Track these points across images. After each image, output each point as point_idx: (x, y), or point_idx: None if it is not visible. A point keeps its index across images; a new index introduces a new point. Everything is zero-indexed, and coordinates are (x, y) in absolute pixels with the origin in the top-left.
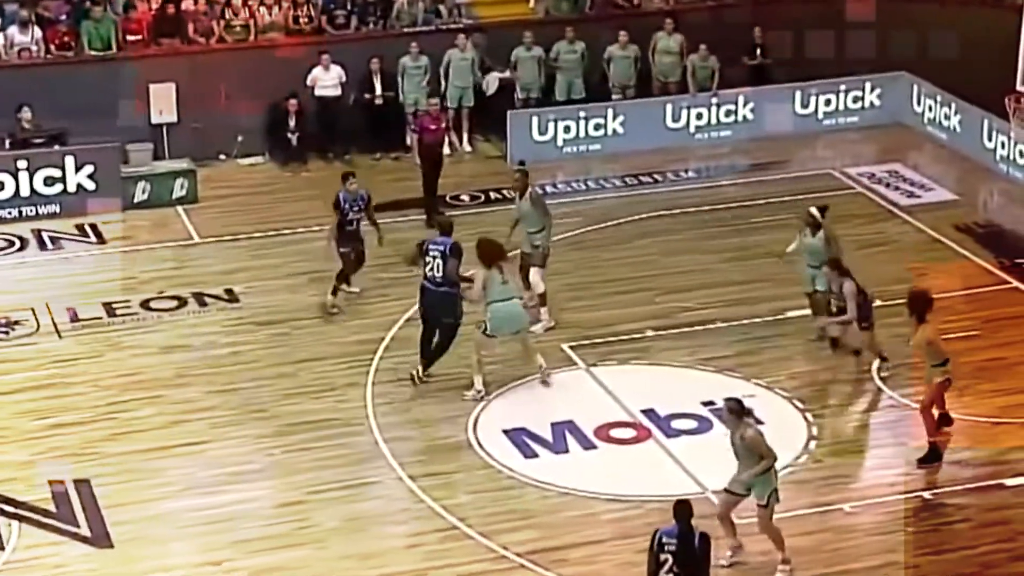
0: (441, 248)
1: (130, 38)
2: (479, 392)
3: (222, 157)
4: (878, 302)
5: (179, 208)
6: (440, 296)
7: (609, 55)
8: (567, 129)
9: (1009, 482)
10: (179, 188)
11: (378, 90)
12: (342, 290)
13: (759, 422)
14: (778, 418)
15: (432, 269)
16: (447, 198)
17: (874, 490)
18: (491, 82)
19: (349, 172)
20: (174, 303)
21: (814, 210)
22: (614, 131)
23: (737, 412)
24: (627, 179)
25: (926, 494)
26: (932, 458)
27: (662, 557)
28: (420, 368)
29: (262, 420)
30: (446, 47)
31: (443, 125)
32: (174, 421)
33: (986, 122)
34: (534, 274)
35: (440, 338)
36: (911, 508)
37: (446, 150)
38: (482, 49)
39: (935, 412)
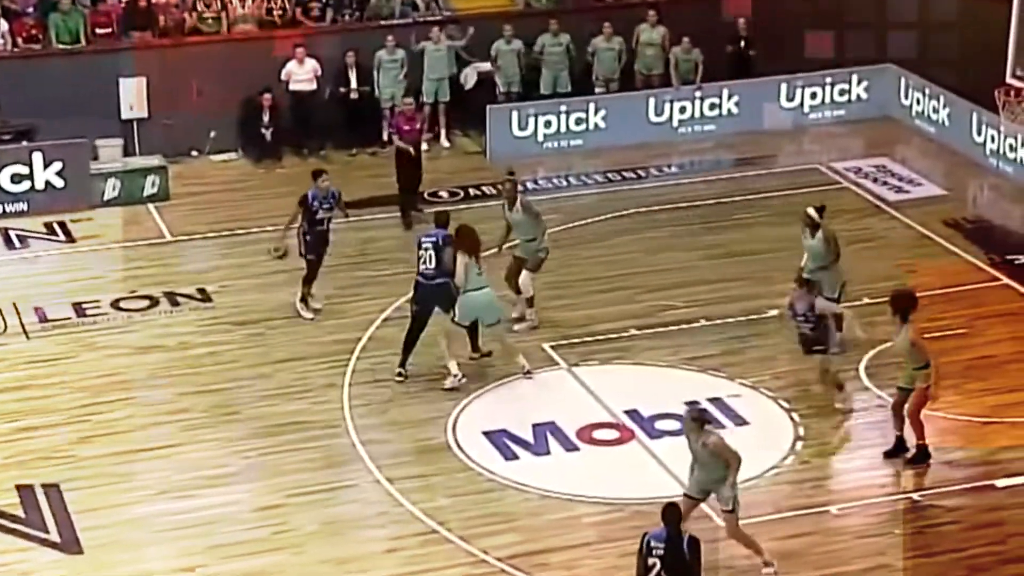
0: (433, 239)
1: (99, 31)
2: (456, 376)
3: (194, 153)
4: (865, 299)
5: (150, 206)
6: (434, 289)
7: (594, 48)
8: (548, 124)
9: (1000, 483)
10: (150, 185)
11: (353, 84)
12: (306, 309)
13: (744, 422)
14: (763, 418)
15: (425, 262)
16: (425, 194)
17: (862, 491)
18: (469, 76)
19: (321, 169)
20: (145, 303)
21: (811, 210)
22: (596, 126)
23: (700, 420)
24: (609, 175)
25: (915, 495)
26: (921, 458)
27: (650, 561)
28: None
29: (237, 422)
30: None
31: (418, 126)
32: (147, 423)
33: (975, 115)
34: (524, 276)
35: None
36: (900, 510)
37: (424, 147)
38: (465, 40)
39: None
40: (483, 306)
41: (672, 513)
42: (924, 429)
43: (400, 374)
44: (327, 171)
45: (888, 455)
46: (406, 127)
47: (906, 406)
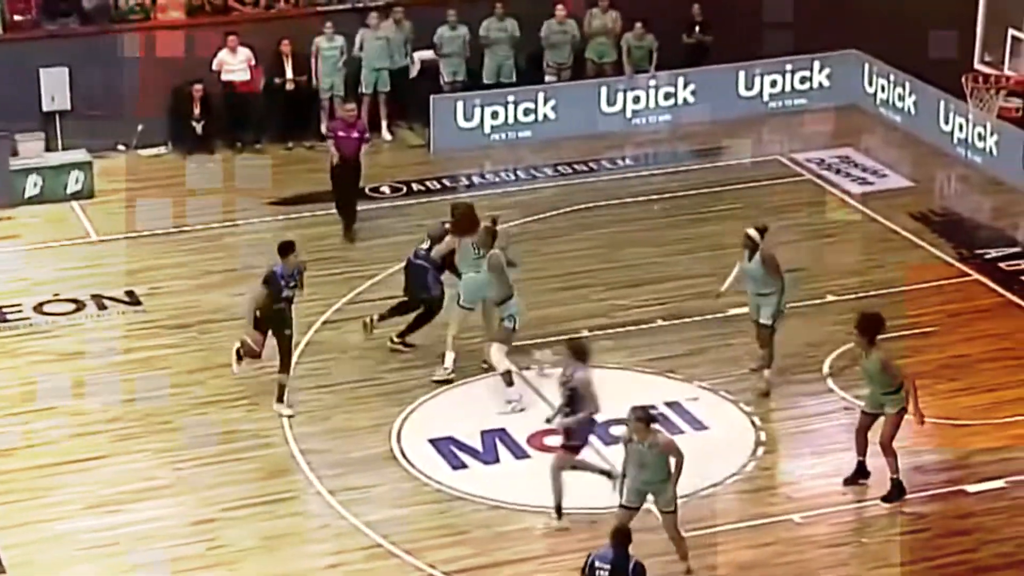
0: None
1: (17, 18)
2: (447, 370)
3: (121, 148)
4: (830, 297)
5: (74, 203)
6: (414, 268)
7: (547, 31)
8: (495, 115)
9: (972, 488)
10: (74, 182)
11: (289, 74)
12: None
13: (703, 427)
14: (724, 422)
15: (423, 242)
16: (366, 190)
17: (827, 499)
18: (413, 64)
19: (290, 242)
20: (71, 307)
21: (752, 231)
22: (545, 116)
23: (647, 420)
24: (560, 168)
25: (883, 501)
26: (897, 495)
27: None
28: (374, 318)
29: (169, 432)
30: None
31: (356, 134)
32: (72, 434)
33: (943, 103)
34: (495, 351)
35: (418, 312)
36: (867, 517)
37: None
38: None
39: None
40: (483, 285)
41: (621, 537)
42: (898, 461)
43: (371, 327)
44: (294, 242)
45: (848, 482)
46: (342, 133)
47: (879, 436)
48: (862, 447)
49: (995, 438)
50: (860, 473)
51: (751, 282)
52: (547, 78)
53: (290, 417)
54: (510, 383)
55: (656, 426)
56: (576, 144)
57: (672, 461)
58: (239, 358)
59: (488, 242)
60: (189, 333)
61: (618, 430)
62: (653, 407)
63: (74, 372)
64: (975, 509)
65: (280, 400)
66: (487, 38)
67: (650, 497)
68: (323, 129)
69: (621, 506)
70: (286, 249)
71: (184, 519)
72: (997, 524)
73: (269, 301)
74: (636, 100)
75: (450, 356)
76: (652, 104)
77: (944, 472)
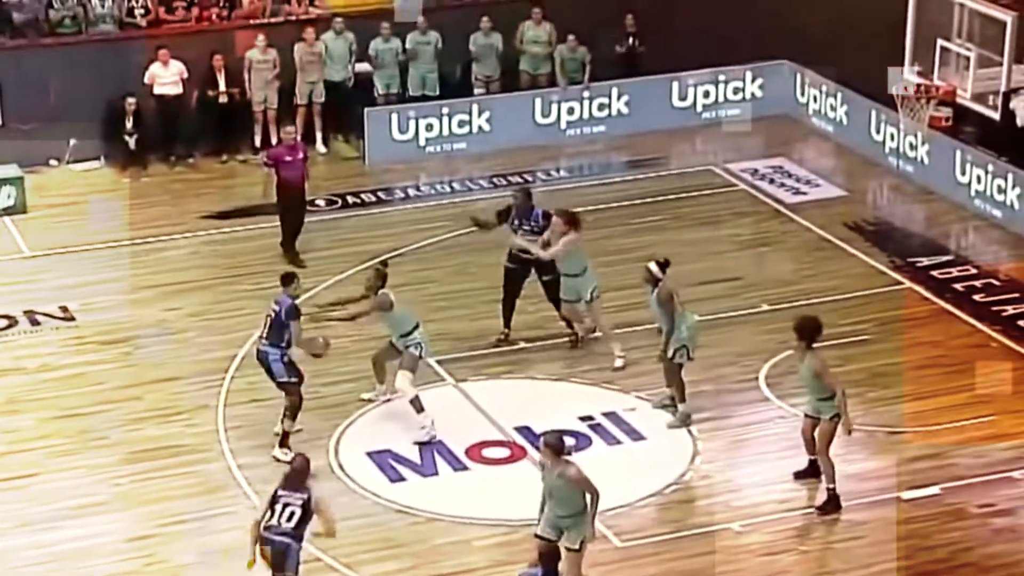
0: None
1: None
2: (623, 358)
3: (53, 163)
4: (765, 306)
5: (6, 219)
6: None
7: (474, 43)
8: (429, 127)
9: (906, 495)
10: (5, 197)
11: (222, 86)
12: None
13: (641, 437)
14: (661, 432)
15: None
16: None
17: (765, 507)
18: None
19: (292, 273)
20: (3, 323)
21: (653, 265)
22: (480, 128)
23: (557, 448)
24: (495, 179)
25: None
26: (833, 507)
27: None
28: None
29: (104, 448)
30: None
31: (301, 156)
32: (5, 451)
33: (874, 113)
34: (401, 378)
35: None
36: (804, 525)
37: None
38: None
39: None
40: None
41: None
42: (835, 471)
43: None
44: (298, 274)
45: (799, 475)
46: (288, 158)
47: (816, 443)
48: (810, 447)
49: (929, 445)
50: (812, 471)
51: (656, 318)
52: (476, 91)
53: (286, 461)
54: (420, 409)
55: (568, 458)
56: (511, 156)
57: (587, 497)
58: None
59: (377, 285)
60: (124, 348)
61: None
62: (567, 436)
63: (7, 389)
64: (910, 516)
65: (282, 446)
66: (412, 51)
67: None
68: (263, 158)
69: (536, 535)
70: (288, 279)
71: (121, 535)
72: (932, 530)
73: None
74: (570, 111)
75: (616, 345)
76: (586, 115)
77: (879, 480)
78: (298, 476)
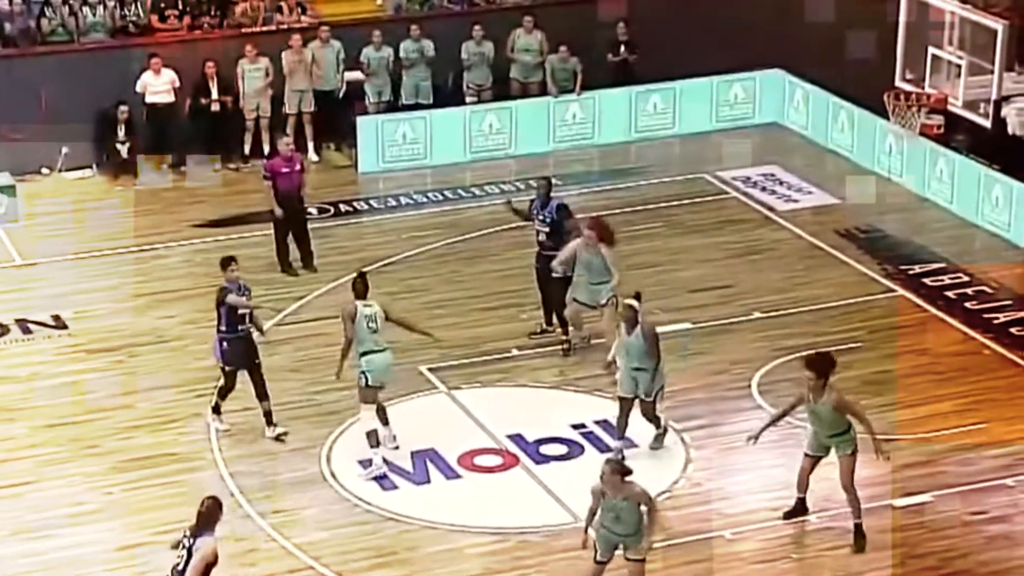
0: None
1: None
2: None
3: (45, 171)
4: (757, 314)
5: None
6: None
7: (467, 53)
8: (421, 135)
9: (899, 503)
10: None
11: (214, 95)
12: (218, 420)
13: (633, 445)
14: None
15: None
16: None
17: (757, 515)
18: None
19: (230, 257)
20: None
21: (632, 301)
22: (472, 136)
23: (624, 472)
24: (487, 188)
25: (812, 517)
26: (863, 541)
27: None
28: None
29: (96, 456)
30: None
31: (298, 167)
32: None
33: (866, 121)
34: (364, 411)
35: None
36: (796, 533)
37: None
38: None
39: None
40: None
41: None
42: (861, 506)
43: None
44: (235, 258)
45: (789, 516)
46: (285, 169)
47: (840, 478)
48: (803, 485)
49: (920, 453)
50: (800, 509)
51: (628, 356)
52: (467, 99)
53: (280, 438)
54: (373, 444)
55: (630, 478)
56: (504, 164)
57: (644, 510)
58: (216, 410)
59: (363, 292)
60: (116, 356)
61: (549, 449)
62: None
63: None
64: (901, 523)
65: (270, 424)
66: (405, 59)
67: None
68: (247, 147)
69: (597, 562)
70: (226, 263)
71: (113, 544)
72: (922, 538)
73: (228, 323)
74: (563, 120)
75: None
76: (578, 124)
77: (871, 487)
78: (204, 519)
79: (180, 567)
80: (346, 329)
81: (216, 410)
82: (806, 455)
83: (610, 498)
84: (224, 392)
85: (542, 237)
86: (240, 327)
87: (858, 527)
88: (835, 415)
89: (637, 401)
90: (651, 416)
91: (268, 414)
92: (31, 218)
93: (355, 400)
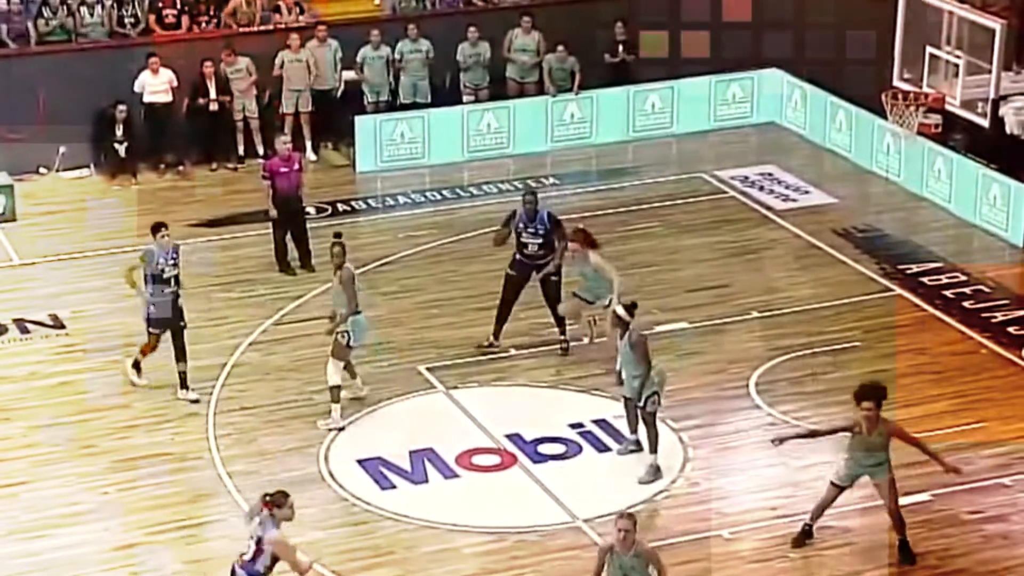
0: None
1: None
2: (335, 422)
3: (43, 171)
4: (754, 313)
5: None
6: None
7: (462, 54)
8: (419, 135)
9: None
10: None
11: (212, 94)
12: (138, 375)
13: (640, 448)
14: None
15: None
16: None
17: (755, 514)
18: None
19: (161, 223)
20: None
21: (619, 309)
22: (470, 136)
23: (635, 520)
24: (485, 187)
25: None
26: (909, 555)
27: None
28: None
29: (92, 456)
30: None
31: (296, 167)
32: None
33: (864, 120)
34: (330, 364)
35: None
36: (795, 532)
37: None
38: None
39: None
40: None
41: None
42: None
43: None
44: (167, 224)
45: (797, 544)
46: (284, 169)
47: (887, 504)
48: (819, 515)
49: (918, 452)
50: (807, 535)
51: (625, 363)
52: (465, 98)
53: (195, 402)
54: (335, 400)
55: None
56: (501, 164)
57: (653, 572)
58: (136, 366)
59: (341, 256)
60: (113, 356)
61: (547, 448)
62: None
63: None
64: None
65: (184, 387)
66: (402, 59)
67: None
68: (240, 147)
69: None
70: (156, 228)
71: (108, 544)
72: (920, 537)
73: (155, 283)
74: (560, 120)
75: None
76: (576, 123)
77: (868, 487)
78: (273, 506)
79: (249, 556)
80: (352, 296)
81: (136, 365)
82: (834, 486)
83: (619, 555)
84: (145, 351)
85: (533, 248)
86: (165, 290)
87: (903, 543)
88: (883, 443)
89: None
90: (648, 424)
91: (183, 375)
92: (28, 218)
93: (350, 402)
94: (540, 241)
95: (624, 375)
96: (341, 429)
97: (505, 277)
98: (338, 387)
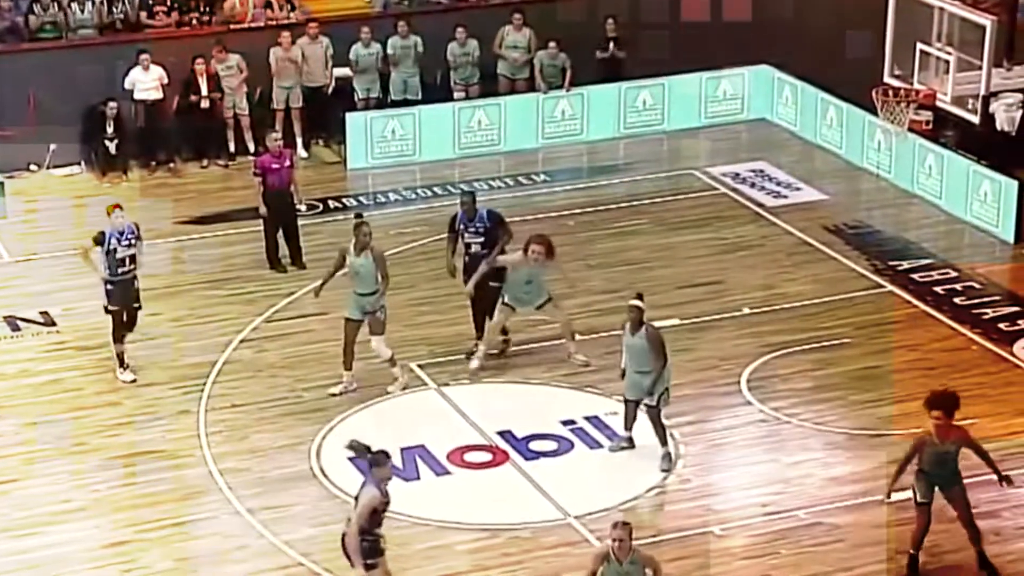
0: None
1: None
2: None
3: (33, 168)
4: (746, 310)
5: None
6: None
7: (451, 53)
8: (410, 131)
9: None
10: None
11: (204, 91)
12: (123, 371)
13: (631, 445)
14: (643, 435)
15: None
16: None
17: (746, 510)
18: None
19: (116, 204)
20: None
21: (637, 301)
22: (460, 132)
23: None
24: (476, 184)
25: (800, 513)
26: (988, 564)
27: None
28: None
29: (83, 453)
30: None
31: (288, 164)
32: None
33: (855, 117)
34: (376, 342)
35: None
36: (785, 528)
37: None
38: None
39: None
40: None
41: None
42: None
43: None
44: (121, 205)
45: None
46: (275, 165)
47: (960, 515)
48: (919, 543)
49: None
50: (913, 570)
51: (630, 358)
52: (455, 95)
53: (132, 382)
54: (394, 364)
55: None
56: (492, 160)
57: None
58: (122, 366)
59: (368, 236)
60: (104, 354)
61: (539, 445)
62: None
63: None
64: (889, 519)
65: (122, 366)
66: (393, 56)
67: None
68: (231, 145)
69: None
70: (111, 209)
71: (99, 541)
72: (911, 534)
73: (110, 264)
74: (551, 116)
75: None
76: (567, 120)
77: (860, 483)
78: (373, 463)
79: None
80: (387, 273)
81: (120, 361)
82: (920, 505)
83: (614, 563)
84: (116, 335)
85: (476, 248)
86: (120, 270)
87: (981, 555)
88: (955, 453)
89: (644, 407)
90: (656, 421)
91: (120, 355)
92: (19, 215)
93: (343, 398)
94: (482, 240)
95: (630, 372)
96: (406, 387)
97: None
98: (392, 355)
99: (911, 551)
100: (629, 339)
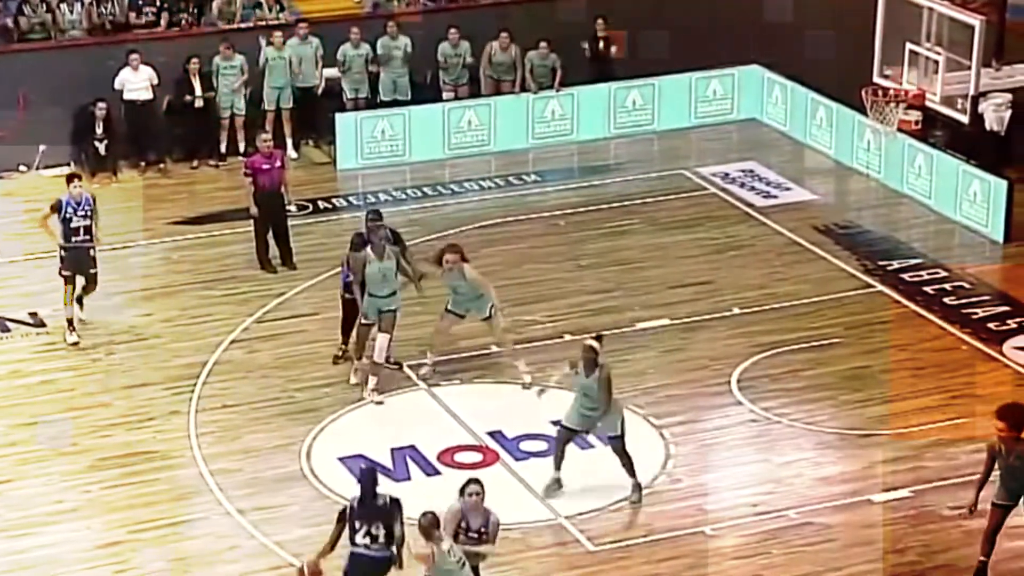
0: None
1: None
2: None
3: (23, 169)
4: (736, 310)
5: None
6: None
7: (442, 54)
8: (400, 132)
9: (876, 498)
10: None
11: (197, 91)
12: (71, 333)
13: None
14: (633, 436)
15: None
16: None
17: (737, 510)
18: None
19: (74, 174)
20: None
21: (593, 342)
22: (450, 133)
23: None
24: (466, 184)
25: (791, 513)
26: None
27: None
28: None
29: (74, 455)
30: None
31: (278, 164)
32: None
33: (844, 117)
34: (381, 339)
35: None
36: (776, 528)
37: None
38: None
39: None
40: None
41: None
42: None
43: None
44: (80, 176)
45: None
46: (265, 166)
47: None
48: (989, 547)
49: (899, 448)
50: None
51: (584, 397)
52: (444, 95)
53: (75, 344)
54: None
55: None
56: (482, 161)
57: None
58: (71, 328)
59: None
60: (95, 354)
61: (529, 445)
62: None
63: None
64: (880, 519)
65: (71, 329)
66: (383, 56)
67: None
68: (223, 145)
69: None
70: (70, 179)
71: (91, 542)
72: (902, 533)
73: (64, 232)
74: (541, 117)
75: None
76: (557, 120)
77: (850, 483)
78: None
79: None
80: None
81: (70, 325)
82: (996, 506)
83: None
84: (68, 299)
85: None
86: (74, 239)
87: (983, 567)
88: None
89: (608, 441)
90: (621, 452)
91: (71, 321)
92: (9, 216)
93: (335, 398)
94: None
95: (578, 408)
96: (380, 403)
97: (343, 300)
98: (384, 362)
99: (983, 558)
100: (584, 380)
